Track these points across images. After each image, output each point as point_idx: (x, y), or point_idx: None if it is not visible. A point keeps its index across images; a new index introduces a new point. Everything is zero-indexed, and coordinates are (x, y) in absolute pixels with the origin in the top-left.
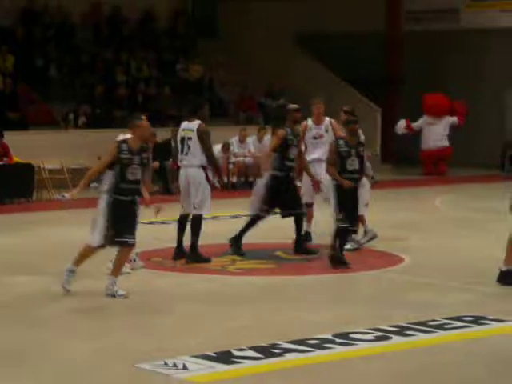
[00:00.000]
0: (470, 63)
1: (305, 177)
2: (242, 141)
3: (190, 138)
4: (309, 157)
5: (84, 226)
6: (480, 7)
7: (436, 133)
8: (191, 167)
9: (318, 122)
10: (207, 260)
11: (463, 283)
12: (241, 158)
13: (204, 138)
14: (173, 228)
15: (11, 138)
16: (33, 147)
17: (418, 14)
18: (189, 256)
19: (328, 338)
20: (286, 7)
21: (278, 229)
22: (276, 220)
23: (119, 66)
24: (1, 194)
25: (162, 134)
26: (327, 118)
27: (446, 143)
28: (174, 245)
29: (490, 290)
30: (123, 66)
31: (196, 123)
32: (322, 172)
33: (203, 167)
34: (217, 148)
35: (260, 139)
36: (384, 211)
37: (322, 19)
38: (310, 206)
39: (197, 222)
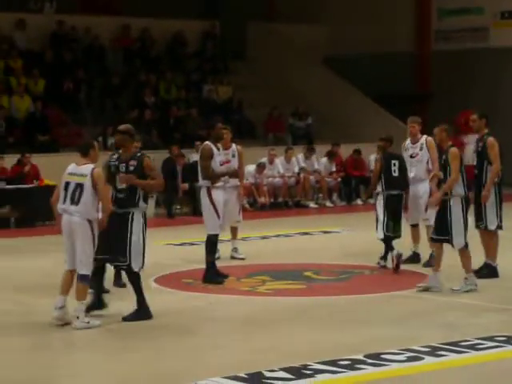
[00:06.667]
0: (499, 81)
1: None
2: (270, 162)
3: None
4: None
5: None
6: (509, 25)
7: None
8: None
9: (413, 142)
10: (219, 282)
11: (498, 303)
12: (270, 179)
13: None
14: (202, 249)
15: (42, 161)
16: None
17: (447, 33)
18: (204, 276)
19: (359, 359)
20: (314, 28)
21: (306, 250)
22: (303, 241)
23: (148, 87)
24: (32, 216)
25: (192, 156)
26: (424, 137)
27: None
28: (203, 266)
29: None
30: (152, 88)
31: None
32: (420, 191)
33: (207, 188)
34: (251, 167)
35: (288, 160)
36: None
37: (349, 40)
38: (415, 226)
39: (206, 241)
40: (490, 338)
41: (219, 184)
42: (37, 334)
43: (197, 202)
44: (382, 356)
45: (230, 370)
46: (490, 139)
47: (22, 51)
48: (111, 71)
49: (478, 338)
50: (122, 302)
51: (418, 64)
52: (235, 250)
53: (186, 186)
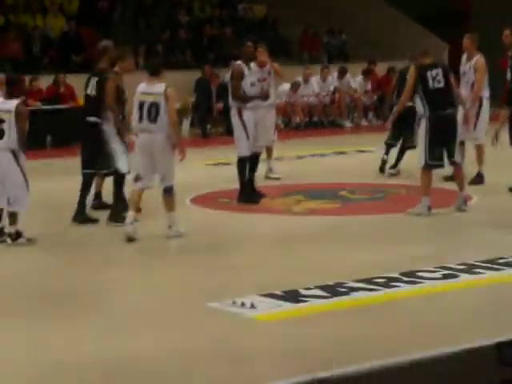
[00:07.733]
0: None
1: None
2: (305, 80)
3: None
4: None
5: None
6: None
7: None
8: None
9: (468, 58)
10: (255, 201)
11: None
12: (305, 98)
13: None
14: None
15: (76, 81)
16: None
17: None
18: (238, 195)
19: (395, 277)
20: None
21: (341, 169)
22: (338, 160)
23: (182, 6)
24: (68, 137)
25: (226, 75)
26: (477, 56)
27: None
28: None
29: None
30: (186, 7)
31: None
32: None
33: (238, 108)
34: (286, 85)
35: (324, 78)
36: None
37: None
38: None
39: (237, 162)
40: None
41: (250, 105)
42: (72, 249)
43: (231, 122)
44: (418, 273)
45: (265, 287)
46: None
47: None
48: None
49: None
50: (155, 220)
51: None
52: (270, 169)
53: (220, 105)
